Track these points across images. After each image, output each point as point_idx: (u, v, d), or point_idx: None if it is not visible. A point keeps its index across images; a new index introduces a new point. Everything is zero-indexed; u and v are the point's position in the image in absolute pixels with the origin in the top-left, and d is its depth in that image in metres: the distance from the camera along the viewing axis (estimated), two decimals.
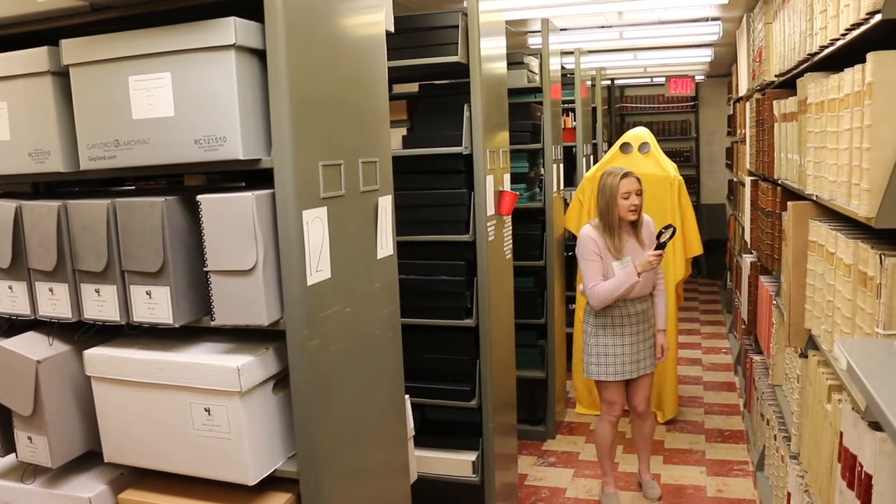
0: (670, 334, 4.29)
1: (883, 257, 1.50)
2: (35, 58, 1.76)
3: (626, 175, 3.19)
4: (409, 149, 3.14)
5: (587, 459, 4.14)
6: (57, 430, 1.86)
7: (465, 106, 3.02)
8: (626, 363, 3.29)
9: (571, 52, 5.78)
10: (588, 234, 3.25)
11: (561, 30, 5.69)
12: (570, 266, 5.50)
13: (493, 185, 3.14)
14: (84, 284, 1.80)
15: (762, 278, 3.40)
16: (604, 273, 3.22)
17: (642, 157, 4.42)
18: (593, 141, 6.79)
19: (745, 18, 4.87)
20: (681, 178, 4.39)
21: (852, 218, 1.72)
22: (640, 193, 3.21)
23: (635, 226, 3.29)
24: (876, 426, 1.39)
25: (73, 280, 1.81)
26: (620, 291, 3.17)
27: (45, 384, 1.83)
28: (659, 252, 3.15)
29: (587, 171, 5.98)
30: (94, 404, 1.87)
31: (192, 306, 1.77)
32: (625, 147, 4.47)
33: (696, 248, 4.43)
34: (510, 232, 3.45)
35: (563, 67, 5.21)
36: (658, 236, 3.20)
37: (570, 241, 5.54)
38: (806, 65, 2.42)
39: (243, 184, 2.05)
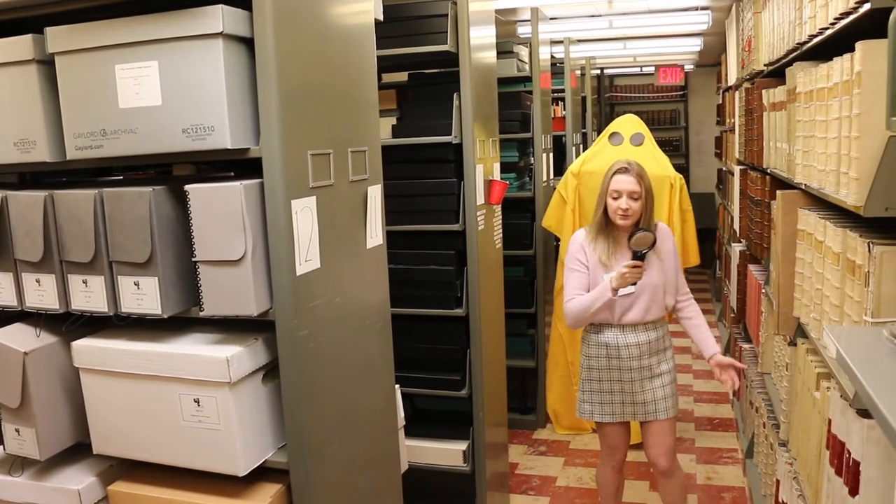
0: None
1: (871, 246, 1.51)
2: (19, 46, 1.73)
3: (622, 170, 2.62)
4: (399, 138, 3.13)
5: (578, 448, 4.16)
6: (45, 421, 1.85)
7: (455, 95, 3.01)
8: (624, 402, 2.72)
9: (561, 42, 5.77)
10: (576, 240, 2.76)
11: (550, 19, 5.68)
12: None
13: (482, 174, 3.13)
14: (71, 275, 1.79)
15: (751, 267, 3.42)
16: (589, 286, 2.68)
17: (635, 151, 3.75)
18: (583, 130, 6.79)
19: (734, 7, 4.87)
20: (681, 176, 3.79)
21: (841, 207, 1.72)
22: (637, 198, 2.59)
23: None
24: (864, 413, 1.40)
25: (61, 271, 1.80)
26: (593, 310, 2.62)
27: (32, 376, 1.81)
28: (635, 263, 2.55)
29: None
30: (83, 396, 1.86)
31: (181, 297, 1.76)
32: (614, 137, 3.90)
33: (693, 259, 3.86)
34: (500, 221, 3.45)
35: (552, 57, 5.20)
36: (629, 238, 2.62)
37: None
38: (795, 54, 2.42)
39: (232, 173, 2.03)
